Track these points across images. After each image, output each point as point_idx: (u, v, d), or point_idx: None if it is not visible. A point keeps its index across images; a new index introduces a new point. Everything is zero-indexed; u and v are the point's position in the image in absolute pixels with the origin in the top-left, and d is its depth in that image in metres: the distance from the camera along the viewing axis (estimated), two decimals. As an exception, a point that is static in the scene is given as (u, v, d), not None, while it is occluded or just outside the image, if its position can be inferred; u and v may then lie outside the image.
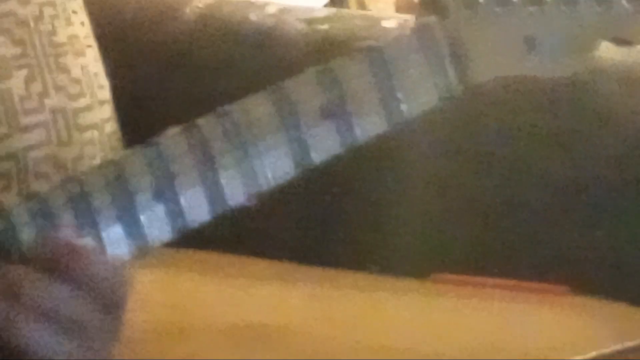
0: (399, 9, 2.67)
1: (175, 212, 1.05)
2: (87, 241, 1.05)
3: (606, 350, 1.74)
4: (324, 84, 1.08)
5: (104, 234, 1.04)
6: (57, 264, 1.04)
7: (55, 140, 1.90)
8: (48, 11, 1.94)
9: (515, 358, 1.75)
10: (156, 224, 1.05)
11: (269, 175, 1.07)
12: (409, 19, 1.56)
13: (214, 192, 1.06)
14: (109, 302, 1.06)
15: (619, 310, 1.91)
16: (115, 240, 1.04)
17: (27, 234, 1.04)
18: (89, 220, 1.03)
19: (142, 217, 1.04)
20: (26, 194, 1.19)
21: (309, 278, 2.08)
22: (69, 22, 1.97)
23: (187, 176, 1.06)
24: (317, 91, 1.08)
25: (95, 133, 1.95)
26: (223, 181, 1.06)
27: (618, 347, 1.75)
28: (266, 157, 1.07)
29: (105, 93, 1.98)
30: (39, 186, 1.42)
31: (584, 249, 2.02)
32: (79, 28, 2.00)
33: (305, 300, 1.99)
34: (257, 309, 1.89)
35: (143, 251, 1.06)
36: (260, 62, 1.96)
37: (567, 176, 1.99)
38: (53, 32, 1.94)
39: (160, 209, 1.05)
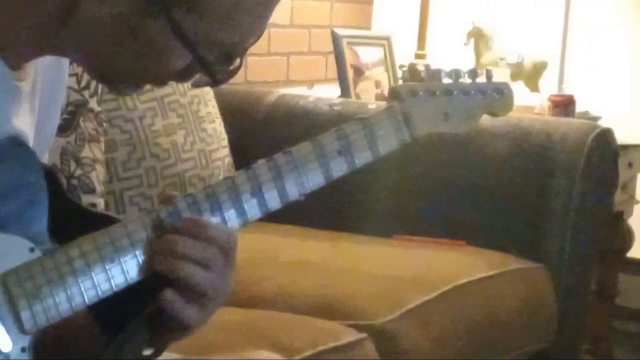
0: (377, 98, 3.31)
1: (262, 204, 1.29)
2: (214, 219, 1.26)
3: (483, 274, 2.36)
4: (338, 136, 1.34)
5: (225, 215, 1.27)
6: (199, 228, 1.25)
7: (199, 167, 2.52)
8: (196, 99, 2.57)
9: (437, 279, 2.26)
10: (252, 210, 1.29)
11: (310, 185, 1.32)
12: (383, 103, 1.87)
13: (283, 193, 1.30)
14: (228, 250, 1.27)
15: (492, 254, 2.51)
16: (231, 218, 1.28)
17: (186, 215, 1.25)
18: (217, 208, 1.26)
19: (245, 206, 1.28)
20: (184, 194, 1.26)
21: (323, 236, 2.54)
22: (206, 105, 2.62)
23: (268, 184, 1.30)
24: (334, 139, 1.33)
25: (220, 163, 2.59)
26: (287, 187, 1.30)
27: (489, 273, 2.39)
28: (308, 174, 1.31)
29: (225, 142, 2.64)
30: (192, 189, 1.62)
31: (474, 221, 2.60)
32: (212, 108, 2.64)
33: (324, 247, 2.47)
34: (298, 251, 2.36)
35: (245, 224, 1.29)
36: (305, 125, 2.62)
37: (463, 178, 2.60)
38: (198, 110, 2.57)
39: (254, 202, 1.28)
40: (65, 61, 1.37)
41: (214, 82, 1.25)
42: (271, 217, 1.31)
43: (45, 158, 1.39)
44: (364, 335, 2.00)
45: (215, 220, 1.23)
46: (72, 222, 1.25)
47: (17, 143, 1.22)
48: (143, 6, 1.17)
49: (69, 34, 1.20)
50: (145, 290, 1.22)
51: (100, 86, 2.33)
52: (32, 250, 1.19)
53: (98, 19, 1.18)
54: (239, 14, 1.20)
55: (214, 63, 1.22)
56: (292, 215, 1.38)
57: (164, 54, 1.21)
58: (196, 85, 1.29)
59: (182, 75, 1.24)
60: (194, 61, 1.21)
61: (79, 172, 2.19)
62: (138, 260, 1.20)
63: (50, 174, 1.26)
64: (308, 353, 1.84)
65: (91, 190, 2.20)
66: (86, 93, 2.28)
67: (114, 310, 1.25)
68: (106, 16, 1.18)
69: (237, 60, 1.23)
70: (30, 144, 1.25)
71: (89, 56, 1.25)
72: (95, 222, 1.24)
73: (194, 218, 1.22)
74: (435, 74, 1.47)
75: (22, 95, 1.24)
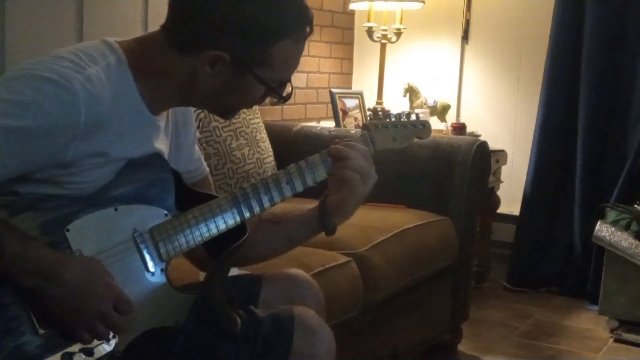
0: (355, 128, 3.26)
1: (292, 188, 1.25)
2: None
3: (416, 223, 2.29)
4: (331, 153, 1.29)
5: (272, 194, 1.23)
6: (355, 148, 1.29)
7: (257, 167, 2.44)
8: (254, 129, 2.49)
9: (390, 226, 2.20)
10: (287, 191, 1.25)
11: (319, 177, 1.28)
12: (359, 131, 1.72)
13: (304, 182, 1.27)
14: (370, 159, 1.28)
15: (420, 212, 2.46)
16: (274, 196, 1.23)
17: (261, 192, 1.22)
18: (268, 190, 1.23)
19: (283, 189, 1.24)
20: (255, 182, 1.23)
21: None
22: (260, 132, 2.51)
23: (295, 177, 1.26)
24: (321, 157, 1.28)
25: (268, 165, 2.51)
26: (306, 178, 1.27)
27: (419, 223, 2.30)
28: (318, 171, 1.28)
29: (271, 154, 2.55)
30: (253, 181, 1.30)
31: (411, 193, 2.52)
32: (264, 134, 2.54)
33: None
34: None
35: (282, 200, 1.25)
36: (316, 143, 2.49)
37: (404, 170, 2.52)
38: (256, 135, 2.46)
39: (288, 187, 1.24)
40: (190, 108, 1.37)
41: (283, 101, 1.23)
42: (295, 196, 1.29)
43: (189, 163, 1.37)
44: (349, 259, 1.98)
45: (267, 197, 1.22)
46: (189, 198, 1.23)
47: (157, 156, 1.21)
48: (237, 72, 1.16)
49: (192, 96, 1.20)
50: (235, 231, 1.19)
51: (202, 121, 2.32)
52: (166, 215, 1.19)
53: (210, 86, 1.18)
54: (289, 61, 1.19)
55: (279, 90, 1.21)
56: (314, 192, 1.31)
57: (252, 95, 1.21)
58: (273, 104, 1.26)
59: (259, 102, 1.24)
60: (266, 93, 1.21)
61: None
62: (224, 218, 1.18)
63: (176, 173, 1.24)
64: (319, 269, 1.81)
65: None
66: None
67: (214, 246, 1.23)
68: (215, 81, 1.17)
69: (289, 87, 1.22)
70: (166, 157, 1.25)
71: (207, 105, 1.24)
72: (202, 198, 1.23)
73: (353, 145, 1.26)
74: (387, 114, 1.44)
75: (160, 129, 1.23)
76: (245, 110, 2.47)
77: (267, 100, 1.27)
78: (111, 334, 1.06)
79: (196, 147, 1.39)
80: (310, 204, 1.30)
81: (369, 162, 1.26)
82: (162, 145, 1.23)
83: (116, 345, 1.07)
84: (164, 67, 1.15)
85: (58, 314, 1.01)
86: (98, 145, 1.09)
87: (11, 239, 0.99)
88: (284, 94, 1.22)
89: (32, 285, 0.98)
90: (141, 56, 1.15)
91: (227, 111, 1.26)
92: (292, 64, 1.20)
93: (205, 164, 1.42)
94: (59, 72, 1.04)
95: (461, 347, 2.67)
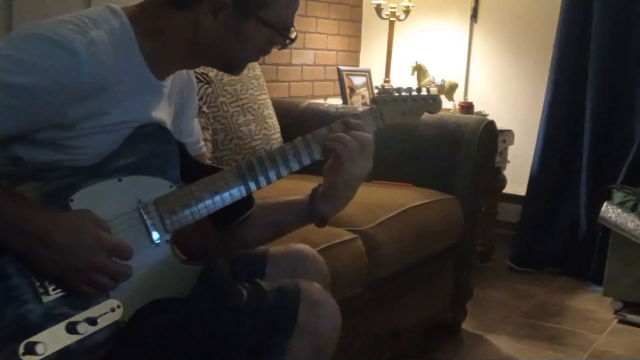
0: (362, 104, 3.26)
1: (300, 161, 1.23)
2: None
3: (421, 202, 2.26)
4: (342, 123, 1.27)
5: (278, 168, 1.20)
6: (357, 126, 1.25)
7: (264, 143, 2.43)
8: (262, 105, 2.45)
9: (396, 204, 2.16)
10: (293, 164, 1.23)
11: (317, 156, 1.25)
12: (367, 107, 1.57)
13: (311, 155, 1.24)
14: (366, 144, 1.23)
15: (426, 190, 2.43)
16: (281, 169, 1.21)
17: (266, 163, 1.20)
18: (275, 164, 1.21)
19: (289, 162, 1.22)
20: (261, 154, 1.23)
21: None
22: (267, 109, 2.48)
23: (302, 150, 1.24)
24: (340, 124, 1.27)
25: (275, 141, 2.50)
26: (314, 152, 1.25)
27: (425, 201, 2.27)
28: (315, 148, 1.25)
29: (278, 130, 2.53)
30: (260, 155, 1.26)
31: (417, 172, 2.48)
32: (271, 110, 2.52)
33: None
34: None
35: (289, 173, 1.23)
36: (322, 120, 2.11)
37: (411, 148, 2.49)
38: (263, 111, 2.44)
39: (295, 160, 1.22)
40: (193, 76, 1.34)
41: (290, 42, 1.21)
42: (302, 171, 1.27)
43: (189, 136, 1.34)
44: (356, 235, 1.94)
45: (273, 170, 1.20)
46: (194, 170, 1.21)
47: (161, 127, 1.19)
48: (240, 16, 1.15)
49: (198, 51, 1.18)
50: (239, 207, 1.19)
51: (209, 97, 2.27)
52: (170, 186, 1.17)
53: (215, 35, 1.16)
54: (291, 1, 1.19)
55: (285, 34, 1.20)
56: (315, 169, 1.29)
57: (258, 40, 1.19)
58: (280, 49, 1.24)
59: (266, 49, 1.22)
60: (272, 39, 1.19)
61: (198, 146, 2.10)
62: (230, 191, 1.16)
63: (180, 145, 1.22)
64: (325, 245, 1.78)
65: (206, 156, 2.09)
66: (200, 102, 2.21)
67: (220, 218, 1.20)
68: (219, 29, 1.15)
69: (294, 31, 1.21)
70: (168, 125, 1.23)
71: (214, 58, 1.22)
72: (207, 170, 1.21)
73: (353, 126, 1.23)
74: (397, 89, 1.40)
75: (164, 95, 1.22)
76: (252, 86, 2.44)
77: (273, 50, 1.25)
78: (117, 304, 1.06)
79: (196, 121, 1.37)
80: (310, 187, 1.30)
81: (366, 148, 1.24)
82: (164, 112, 1.22)
83: (121, 315, 1.07)
84: (167, 26, 1.15)
85: (55, 275, 1.01)
86: (98, 108, 1.08)
87: (5, 201, 0.99)
88: (288, 37, 1.21)
89: (24, 247, 0.98)
90: (144, 19, 1.15)
91: (235, 64, 1.24)
92: (293, 3, 1.18)
93: (203, 142, 1.39)
94: (62, 34, 1.04)
95: (464, 325, 2.66)
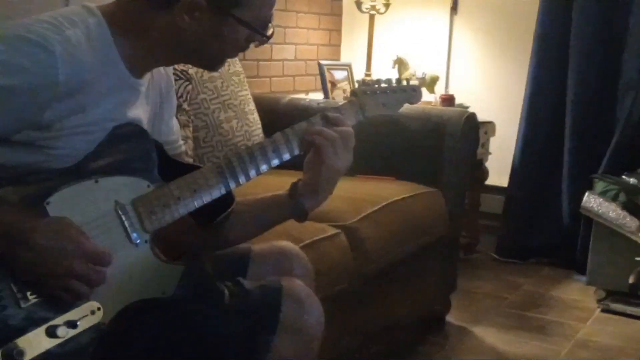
0: (345, 98, 3.13)
1: (278, 156, 1.21)
2: None
3: (405, 195, 2.25)
4: (321, 117, 1.26)
5: (258, 163, 1.18)
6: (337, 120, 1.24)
7: (245, 140, 2.38)
8: (243, 101, 2.39)
9: (380, 198, 2.15)
10: (273, 159, 1.21)
11: (296, 151, 1.23)
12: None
13: (290, 149, 1.22)
14: (347, 138, 1.23)
15: (410, 184, 2.39)
16: (260, 165, 1.19)
17: (246, 161, 1.18)
18: (254, 159, 1.19)
19: (269, 157, 1.20)
20: (239, 149, 1.29)
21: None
22: (248, 105, 2.43)
23: (282, 145, 1.22)
24: (320, 120, 1.25)
25: (257, 138, 2.43)
26: (293, 146, 1.23)
27: (409, 195, 2.26)
28: (295, 143, 1.23)
29: (260, 126, 2.47)
30: (240, 150, 1.24)
31: (400, 165, 2.47)
32: (252, 106, 2.46)
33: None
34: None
35: (269, 169, 1.21)
36: (303, 116, 1.81)
37: (393, 141, 2.47)
38: (244, 108, 2.39)
39: (274, 155, 1.20)
40: (171, 74, 1.33)
41: (267, 40, 1.21)
42: (282, 166, 1.25)
43: (168, 134, 1.34)
44: (339, 231, 1.91)
45: (253, 166, 1.18)
46: (173, 169, 1.19)
47: (136, 126, 1.17)
48: (214, 15, 1.14)
49: (176, 50, 1.17)
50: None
51: (189, 94, 2.22)
52: (148, 186, 1.15)
53: (192, 35, 1.15)
54: None
55: (262, 32, 1.19)
56: (293, 164, 1.27)
57: (235, 39, 1.18)
58: (257, 46, 1.23)
59: (244, 47, 1.22)
60: (249, 37, 1.18)
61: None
62: (209, 189, 1.14)
63: (157, 144, 1.21)
64: (308, 240, 1.75)
65: (186, 154, 1.97)
66: (181, 100, 2.17)
67: (201, 217, 1.20)
68: (195, 29, 1.15)
69: (271, 27, 1.20)
70: (145, 124, 1.22)
71: (192, 57, 1.22)
72: (186, 169, 1.19)
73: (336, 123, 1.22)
74: (377, 81, 1.39)
75: (140, 94, 1.20)
76: (233, 82, 2.41)
77: (251, 46, 1.25)
78: (97, 306, 1.05)
79: (175, 119, 1.35)
80: (289, 182, 1.28)
81: (346, 141, 1.23)
82: (141, 111, 1.21)
83: (102, 317, 1.06)
84: (145, 26, 1.14)
85: (34, 279, 1.00)
86: (75, 107, 1.07)
87: None
88: (266, 34, 1.20)
89: (4, 250, 0.98)
90: (120, 18, 1.14)
91: (213, 61, 1.23)
92: (269, 0, 1.18)
93: (182, 140, 1.38)
94: (38, 33, 1.03)
95: (450, 317, 2.65)
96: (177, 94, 1.99)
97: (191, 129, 2.26)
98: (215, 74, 2.27)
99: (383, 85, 1.36)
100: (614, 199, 2.79)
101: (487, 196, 3.51)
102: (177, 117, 1.81)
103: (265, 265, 1.31)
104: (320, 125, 1.21)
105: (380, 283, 2.11)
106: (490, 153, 3.45)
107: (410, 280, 2.32)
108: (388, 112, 1.35)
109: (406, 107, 1.40)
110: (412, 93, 1.40)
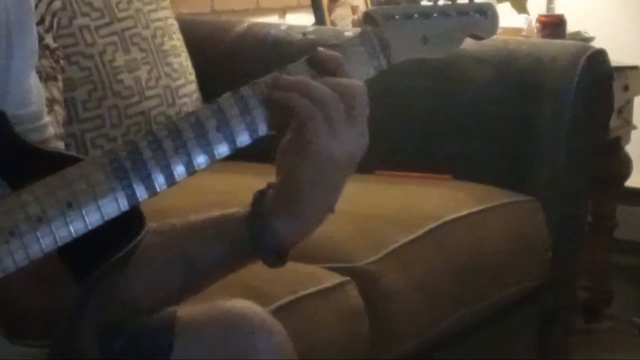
0: (354, 25, 2.53)
1: (230, 140, 0.95)
2: None
3: (470, 210, 1.77)
4: (309, 64, 1.00)
5: (190, 152, 0.94)
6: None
7: (165, 104, 1.91)
8: (159, 32, 1.96)
9: (421, 216, 1.73)
10: (219, 146, 0.96)
11: (261, 127, 0.97)
12: (359, 30, 1.31)
13: (251, 127, 0.96)
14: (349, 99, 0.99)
15: (479, 188, 1.88)
16: (197, 156, 0.96)
17: (148, 154, 0.94)
18: (181, 144, 0.94)
19: (212, 142, 0.94)
20: (145, 132, 1.01)
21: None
22: (171, 38, 1.98)
23: (236, 118, 0.96)
24: (305, 68, 1.00)
25: (187, 99, 1.96)
26: (257, 121, 0.96)
27: (476, 209, 1.78)
28: (258, 112, 0.98)
29: (192, 77, 2.00)
30: (156, 128, 1.48)
31: (460, 153, 1.94)
32: (177, 41, 2.00)
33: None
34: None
35: (213, 162, 0.96)
36: (276, 56, 1.95)
37: (445, 107, 1.96)
38: (162, 43, 1.95)
39: (221, 137, 0.96)
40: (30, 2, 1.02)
41: None
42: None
43: (20, 103, 1.01)
44: (346, 278, 1.57)
45: (180, 159, 0.90)
46: (30, 163, 0.92)
47: None
48: None
49: None
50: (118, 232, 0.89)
51: (57, 17, 1.78)
52: None
53: None
54: None
55: None
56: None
57: None
58: None
59: None
60: None
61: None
62: (97, 202, 0.87)
63: (0, 115, 0.92)
64: (287, 299, 1.43)
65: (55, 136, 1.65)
66: (41, 28, 1.71)
67: (79, 258, 0.91)
68: None
69: None
70: None
71: None
72: (55, 162, 0.88)
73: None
74: None
75: None
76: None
77: None
78: None
79: (34, 75, 1.03)
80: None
81: (352, 105, 0.93)
82: None
83: None
84: None
85: None
86: None
87: None
88: None
89: None
90: None
91: None
92: None
93: (46, 112, 1.05)
94: None
95: None
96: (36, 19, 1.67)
97: (60, 83, 1.84)
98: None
99: (425, 2, 1.11)
100: None
101: (629, 209, 2.72)
102: (37, 66, 1.29)
103: (202, 347, 0.98)
104: (305, 77, 0.96)
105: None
106: (635, 127, 2.64)
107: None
108: (433, 54, 1.07)
109: (468, 44, 1.12)
110: (478, 18, 1.09)
